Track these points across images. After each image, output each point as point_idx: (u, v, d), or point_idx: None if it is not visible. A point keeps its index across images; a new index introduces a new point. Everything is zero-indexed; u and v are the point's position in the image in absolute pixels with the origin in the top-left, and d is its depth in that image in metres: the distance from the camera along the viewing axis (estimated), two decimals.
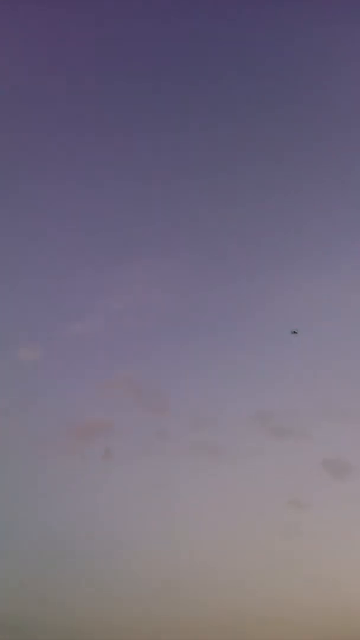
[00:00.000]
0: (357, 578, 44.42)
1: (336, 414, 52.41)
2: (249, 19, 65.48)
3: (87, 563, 46.24)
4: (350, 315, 57.35)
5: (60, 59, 64.29)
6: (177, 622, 43.23)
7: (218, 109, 65.30)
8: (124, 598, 44.27)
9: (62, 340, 59.63)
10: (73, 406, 56.23)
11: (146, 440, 54.51)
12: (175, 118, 64.97)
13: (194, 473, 52.57)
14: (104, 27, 64.89)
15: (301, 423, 53.65)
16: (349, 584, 44.07)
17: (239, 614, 43.49)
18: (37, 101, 63.38)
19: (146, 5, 65.20)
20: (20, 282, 60.95)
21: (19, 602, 42.99)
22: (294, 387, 54.71)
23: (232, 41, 65.68)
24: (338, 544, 46.01)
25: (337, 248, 62.14)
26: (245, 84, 65.72)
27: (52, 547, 46.19)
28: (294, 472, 50.24)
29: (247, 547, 46.90)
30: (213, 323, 60.72)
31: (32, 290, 61.07)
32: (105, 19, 64.97)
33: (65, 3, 64.63)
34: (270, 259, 61.84)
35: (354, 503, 47.35)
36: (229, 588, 44.60)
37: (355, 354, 55.44)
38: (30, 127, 63.74)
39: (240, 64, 66.32)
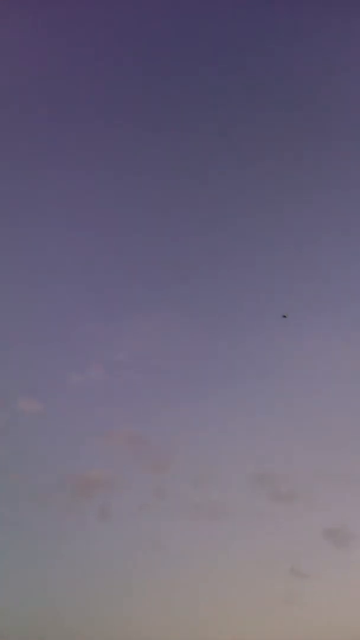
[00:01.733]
0: None
1: (338, 480, 52.43)
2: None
3: (82, 620, 45.11)
4: (354, 378, 58.28)
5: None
6: None
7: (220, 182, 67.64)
8: None
9: (63, 392, 59.47)
10: (73, 460, 55.67)
11: (145, 497, 53.92)
12: (175, 190, 67.00)
13: (193, 534, 51.92)
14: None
15: (302, 488, 53.57)
16: None
17: None
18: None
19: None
20: (22, 334, 61.07)
21: None
22: (295, 451, 54.93)
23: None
24: (339, 612, 45.48)
25: (337, 309, 63.53)
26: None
27: (48, 603, 45.15)
28: (295, 539, 49.84)
29: (247, 612, 46.00)
30: (215, 380, 61.16)
31: (35, 342, 61.19)
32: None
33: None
34: (272, 317, 62.89)
35: (356, 571, 47.03)
36: None
37: (358, 419, 56.08)
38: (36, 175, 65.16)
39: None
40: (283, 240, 66.06)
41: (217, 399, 60.51)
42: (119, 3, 66.60)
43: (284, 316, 54.14)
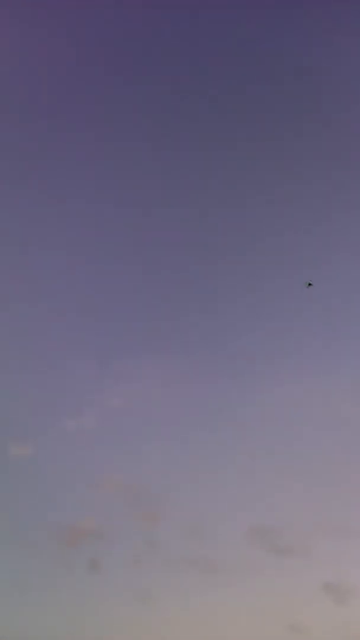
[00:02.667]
0: None
1: (337, 532, 50.55)
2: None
3: None
4: (354, 427, 57.42)
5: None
6: None
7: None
8: None
9: (55, 436, 57.97)
10: (63, 508, 53.61)
11: (136, 549, 51.64)
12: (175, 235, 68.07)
13: (187, 587, 49.41)
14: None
15: (301, 541, 51.45)
16: None
17: None
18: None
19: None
20: (13, 376, 60.22)
21: None
22: (294, 503, 53.14)
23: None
24: None
25: (338, 355, 63.32)
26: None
27: None
28: (293, 594, 47.46)
29: None
30: (213, 428, 60.10)
31: (27, 385, 60.19)
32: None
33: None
34: (272, 362, 62.55)
35: (356, 626, 44.69)
36: None
37: (358, 468, 54.74)
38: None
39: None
40: (283, 275, 66.54)
41: (214, 447, 59.40)
42: None
43: (309, 284, 52.43)
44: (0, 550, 47.33)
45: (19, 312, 61.75)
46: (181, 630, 44.04)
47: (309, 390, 58.08)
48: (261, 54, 73.39)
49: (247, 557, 49.53)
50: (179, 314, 65.25)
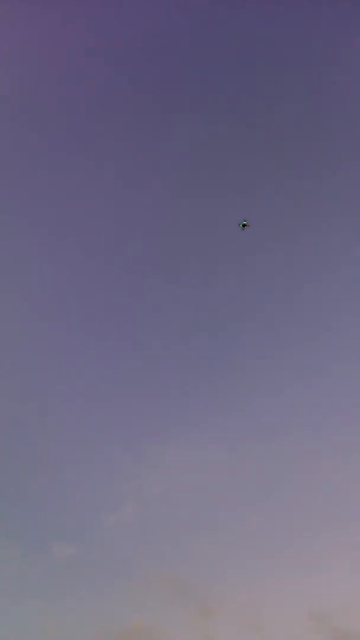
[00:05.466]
0: None
1: None
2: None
3: None
4: None
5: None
6: None
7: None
8: None
9: (96, 533, 56.35)
10: (109, 607, 51.37)
11: None
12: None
13: None
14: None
15: None
16: None
17: None
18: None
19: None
20: (54, 476, 59.49)
21: None
22: (353, 580, 50.43)
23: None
24: None
25: None
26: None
27: None
28: None
29: None
30: (258, 512, 58.07)
31: (67, 481, 59.38)
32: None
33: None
34: (314, 439, 61.02)
35: None
36: None
37: None
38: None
39: None
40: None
41: (262, 531, 57.17)
42: None
43: (244, 224, 50.17)
44: None
45: (52, 404, 62.04)
46: None
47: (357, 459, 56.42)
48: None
49: None
50: (217, 400, 64.84)
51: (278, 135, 71.24)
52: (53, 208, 67.90)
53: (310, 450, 60.01)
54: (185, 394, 64.59)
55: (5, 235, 66.43)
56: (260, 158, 70.91)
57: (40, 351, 64.60)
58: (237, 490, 60.21)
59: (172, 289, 66.92)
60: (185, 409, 64.25)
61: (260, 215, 66.64)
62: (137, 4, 66.99)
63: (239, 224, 50.98)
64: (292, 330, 65.76)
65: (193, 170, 70.75)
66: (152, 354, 66.87)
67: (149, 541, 56.68)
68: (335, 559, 53.00)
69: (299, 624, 48.08)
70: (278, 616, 49.15)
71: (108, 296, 66.57)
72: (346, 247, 67.25)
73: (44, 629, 47.90)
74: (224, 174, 70.21)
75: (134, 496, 60.12)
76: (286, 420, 62.61)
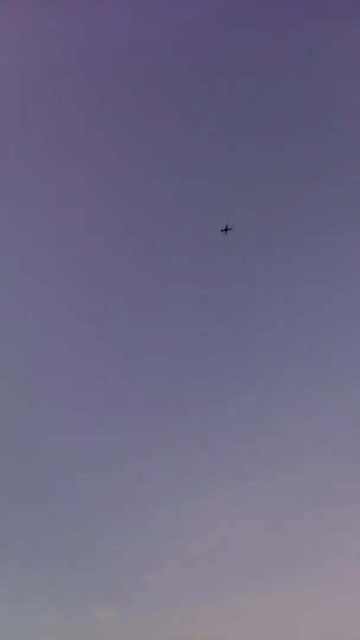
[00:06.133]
0: None
1: None
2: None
3: None
4: None
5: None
6: None
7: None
8: None
9: (138, 594, 54.71)
10: None
11: None
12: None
13: None
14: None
15: None
16: None
17: None
18: None
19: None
20: (94, 537, 58.84)
21: None
22: None
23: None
24: None
25: None
26: None
27: None
28: None
29: None
30: (308, 561, 54.85)
31: (104, 544, 58.30)
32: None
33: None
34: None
35: None
36: None
37: None
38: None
39: None
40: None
41: (313, 581, 53.79)
42: None
43: (226, 229, 47.37)
44: None
45: (91, 474, 61.88)
46: None
47: None
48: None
49: None
50: (257, 445, 63.07)
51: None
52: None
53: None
54: (224, 450, 63.46)
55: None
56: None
57: (85, 409, 65.26)
58: (283, 544, 57.60)
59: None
60: (225, 463, 63.00)
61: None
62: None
63: (221, 230, 50.86)
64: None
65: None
66: (184, 412, 66.82)
67: (191, 600, 54.45)
68: None
69: None
70: None
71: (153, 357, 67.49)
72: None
73: None
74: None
75: (177, 554, 58.33)
76: (334, 467, 60.34)
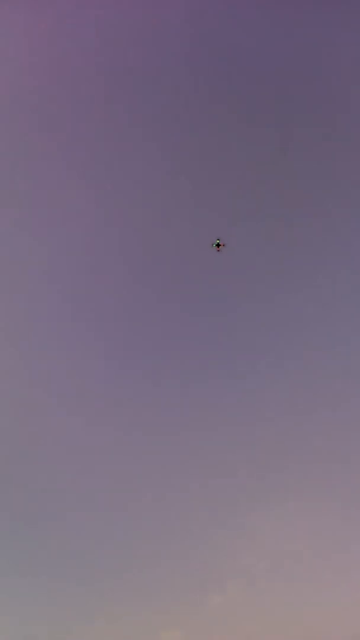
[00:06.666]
0: None
1: None
2: None
3: None
4: None
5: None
6: None
7: None
8: None
9: (203, 618, 54.94)
10: None
11: None
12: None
13: None
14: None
15: None
16: None
17: None
18: None
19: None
20: (154, 562, 58.08)
21: None
22: None
23: None
24: None
25: None
26: None
27: None
28: None
29: None
30: None
31: (165, 566, 57.88)
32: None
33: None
34: None
35: None
36: None
37: None
38: None
39: None
40: None
41: None
42: None
43: (218, 244, 45.04)
44: None
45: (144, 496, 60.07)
46: None
47: None
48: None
49: None
50: (303, 464, 60.57)
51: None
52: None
53: None
54: (280, 466, 60.82)
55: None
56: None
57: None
58: (351, 558, 56.27)
59: None
60: (282, 477, 60.60)
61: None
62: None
63: (212, 244, 45.22)
64: None
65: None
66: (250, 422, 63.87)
67: (259, 624, 54.46)
68: None
69: None
70: None
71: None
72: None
73: None
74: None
75: (239, 572, 57.73)
76: None
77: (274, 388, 63.13)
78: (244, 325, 65.47)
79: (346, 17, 63.34)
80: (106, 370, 65.73)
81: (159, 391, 65.17)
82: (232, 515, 56.17)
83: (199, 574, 54.27)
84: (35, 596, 54.57)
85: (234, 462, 59.17)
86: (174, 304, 67.48)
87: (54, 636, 51.33)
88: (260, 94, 69.46)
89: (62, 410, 62.88)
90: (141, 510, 57.47)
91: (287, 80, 69.58)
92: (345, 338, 64.96)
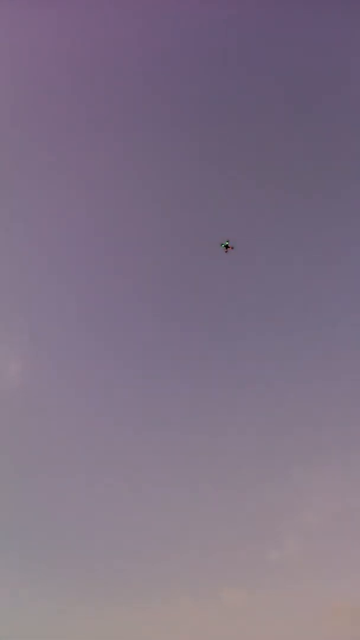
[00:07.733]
0: None
1: None
2: None
3: None
4: None
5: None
6: None
7: None
8: None
9: (263, 573, 55.33)
10: None
11: None
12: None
13: None
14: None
15: None
16: None
17: None
18: None
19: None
20: (217, 523, 57.78)
21: None
22: None
23: None
24: None
25: None
26: None
27: None
28: None
29: None
30: None
31: (228, 520, 58.02)
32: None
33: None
34: None
35: None
36: None
37: None
38: None
39: None
40: None
41: None
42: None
43: (227, 245, 43.88)
44: None
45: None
46: None
47: None
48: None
49: None
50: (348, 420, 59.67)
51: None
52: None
53: None
54: (329, 421, 60.33)
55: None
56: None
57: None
58: None
59: None
60: (330, 432, 60.31)
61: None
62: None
63: (221, 245, 43.85)
64: None
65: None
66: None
67: (318, 575, 54.61)
68: None
69: None
70: None
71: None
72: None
73: None
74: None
75: (294, 528, 57.99)
76: None
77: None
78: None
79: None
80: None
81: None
82: (284, 471, 56.51)
83: (254, 528, 54.59)
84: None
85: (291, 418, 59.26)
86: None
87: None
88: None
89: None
90: (201, 474, 57.85)
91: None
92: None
